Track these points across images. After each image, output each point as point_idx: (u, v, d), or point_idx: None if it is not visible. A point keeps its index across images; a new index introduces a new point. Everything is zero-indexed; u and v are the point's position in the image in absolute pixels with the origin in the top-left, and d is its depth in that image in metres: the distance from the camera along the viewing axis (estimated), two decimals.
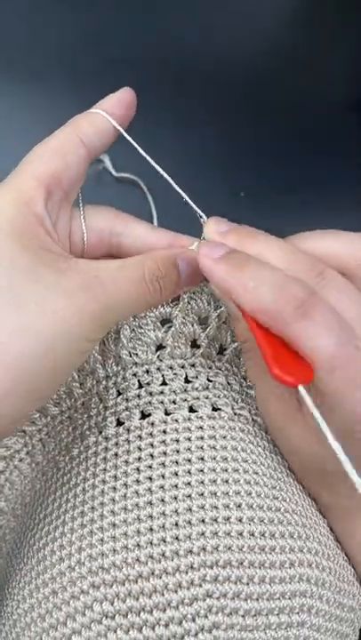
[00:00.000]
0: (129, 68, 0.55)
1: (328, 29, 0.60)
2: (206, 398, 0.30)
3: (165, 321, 0.31)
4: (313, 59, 0.58)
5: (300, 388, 0.21)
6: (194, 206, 0.29)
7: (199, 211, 0.29)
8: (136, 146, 0.29)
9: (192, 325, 0.31)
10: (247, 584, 0.24)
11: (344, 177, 0.54)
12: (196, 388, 0.30)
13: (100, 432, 0.30)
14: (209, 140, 0.54)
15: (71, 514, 0.27)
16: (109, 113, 0.29)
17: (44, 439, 0.33)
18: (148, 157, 0.29)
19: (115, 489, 0.27)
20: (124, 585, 0.24)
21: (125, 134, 0.30)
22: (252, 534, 0.25)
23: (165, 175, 0.29)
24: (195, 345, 0.32)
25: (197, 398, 0.30)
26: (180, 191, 0.29)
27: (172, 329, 0.31)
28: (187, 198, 0.29)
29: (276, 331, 0.23)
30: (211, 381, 0.31)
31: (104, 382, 0.32)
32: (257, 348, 0.25)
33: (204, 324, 0.31)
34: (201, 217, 0.28)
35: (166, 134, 0.52)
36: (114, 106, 0.30)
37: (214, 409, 0.30)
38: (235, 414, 0.30)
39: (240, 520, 0.25)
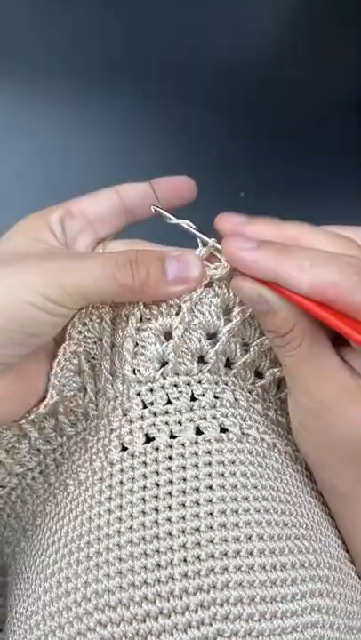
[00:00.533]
0: (129, 68, 0.55)
1: (328, 30, 0.60)
2: (213, 418, 0.29)
3: (169, 335, 0.30)
4: (313, 59, 0.58)
5: None
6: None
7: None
8: (178, 221, 0.30)
9: (199, 341, 0.29)
10: (259, 621, 0.23)
11: (344, 177, 0.54)
12: (203, 407, 0.29)
13: (106, 457, 0.29)
14: (209, 140, 0.54)
15: (78, 543, 0.26)
16: (154, 184, 0.32)
17: (58, 459, 0.32)
18: (191, 228, 0.30)
19: (120, 520, 0.26)
20: (131, 624, 0.23)
21: (161, 210, 0.31)
22: (264, 567, 0.25)
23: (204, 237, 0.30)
24: (201, 360, 0.30)
25: (204, 418, 0.29)
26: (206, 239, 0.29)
27: (173, 342, 0.29)
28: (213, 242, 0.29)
29: (342, 303, 0.24)
30: (218, 398, 0.30)
31: (112, 402, 0.31)
32: (304, 335, 0.26)
33: (212, 339, 0.30)
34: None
35: (166, 134, 0.52)
36: (162, 180, 0.32)
37: (222, 429, 0.29)
38: (243, 434, 0.29)
39: (251, 553, 0.25)
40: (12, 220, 0.30)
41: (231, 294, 0.29)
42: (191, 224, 0.29)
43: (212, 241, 0.29)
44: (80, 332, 0.29)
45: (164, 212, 0.30)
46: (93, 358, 0.31)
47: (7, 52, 0.54)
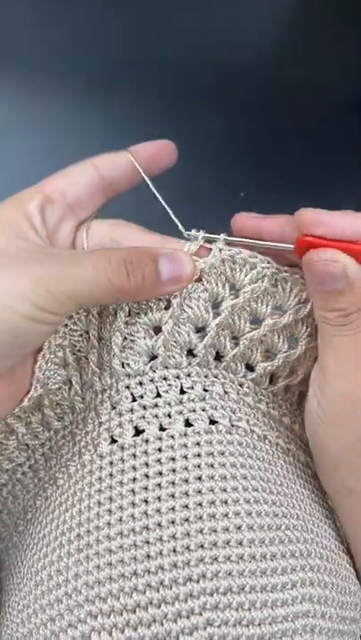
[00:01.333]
0: (129, 68, 0.55)
1: (328, 30, 0.60)
2: (203, 410, 0.29)
3: (158, 329, 0.30)
4: (313, 59, 0.58)
5: None
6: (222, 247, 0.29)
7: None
8: (154, 190, 0.30)
9: (188, 334, 0.29)
10: (249, 609, 0.23)
11: (344, 177, 0.55)
12: (192, 400, 0.29)
13: (95, 449, 0.29)
14: (209, 140, 0.54)
15: (68, 536, 0.27)
16: (133, 151, 0.30)
17: (47, 454, 0.32)
18: (166, 206, 0.30)
19: (110, 512, 0.26)
20: (121, 615, 0.23)
21: (143, 173, 0.30)
22: (253, 557, 0.25)
23: (181, 226, 0.30)
24: (191, 353, 0.30)
25: (193, 410, 0.29)
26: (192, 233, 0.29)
27: (163, 336, 0.29)
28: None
29: None
30: (207, 391, 0.30)
31: (100, 395, 0.31)
32: None
33: (201, 332, 0.30)
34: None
35: (166, 134, 0.52)
36: (142, 146, 0.30)
37: (211, 422, 0.29)
38: (232, 426, 0.29)
39: (240, 543, 0.25)
40: None
41: (220, 288, 0.29)
42: (202, 234, 0.29)
43: (222, 236, 0.29)
44: (66, 325, 0.29)
45: (177, 222, 0.30)
46: (79, 351, 0.31)
47: (7, 52, 0.54)
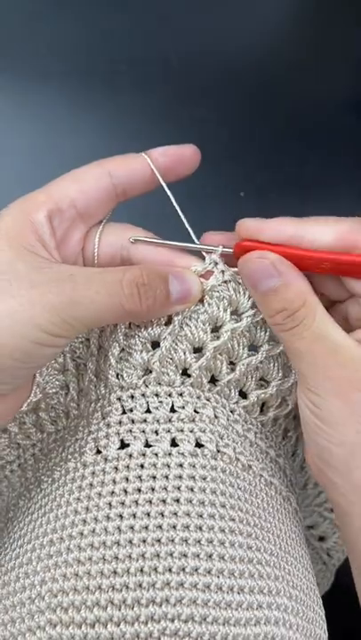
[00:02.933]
0: (129, 68, 0.55)
1: (329, 30, 0.60)
2: (191, 432, 0.29)
3: (156, 344, 0.30)
4: (313, 59, 0.58)
5: None
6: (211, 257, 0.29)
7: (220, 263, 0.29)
8: (173, 200, 0.29)
9: (184, 354, 0.29)
10: None
11: (344, 177, 0.55)
12: (182, 419, 0.29)
13: (80, 457, 0.29)
14: (209, 140, 0.54)
15: (41, 540, 0.26)
16: (152, 157, 0.29)
17: (37, 455, 0.32)
18: (181, 213, 0.29)
19: (85, 522, 0.26)
20: (80, 628, 0.23)
21: (161, 180, 0.29)
22: (220, 588, 0.24)
23: (193, 234, 0.30)
24: (186, 373, 0.30)
25: (181, 430, 0.29)
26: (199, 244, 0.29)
27: (159, 352, 0.29)
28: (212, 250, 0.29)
29: None
30: (197, 413, 0.29)
31: (93, 405, 0.31)
32: (316, 307, 0.26)
33: (198, 353, 0.30)
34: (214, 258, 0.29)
35: (166, 134, 0.52)
36: (160, 151, 0.29)
37: (198, 444, 0.28)
38: (218, 451, 0.28)
39: (209, 572, 0.24)
40: None
41: (221, 312, 0.29)
42: (217, 249, 0.29)
43: (219, 248, 0.29)
44: None
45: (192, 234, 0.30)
46: (79, 357, 0.31)
47: (7, 52, 0.54)
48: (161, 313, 0.28)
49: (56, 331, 0.25)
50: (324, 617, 0.29)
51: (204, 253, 0.29)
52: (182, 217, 0.29)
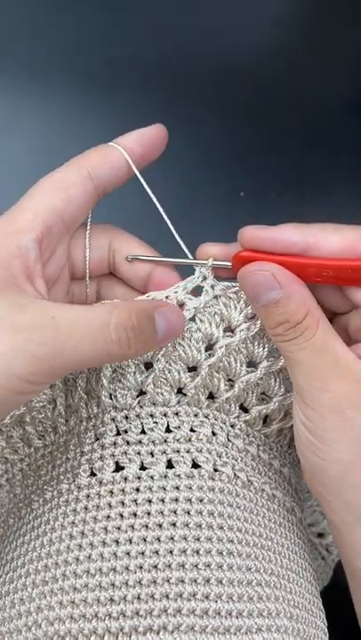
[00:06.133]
0: (129, 68, 0.55)
1: (328, 30, 0.60)
2: (187, 452, 0.28)
3: (149, 365, 0.29)
4: (313, 59, 0.58)
5: None
6: (193, 259, 0.29)
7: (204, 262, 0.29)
8: (148, 189, 0.29)
9: (178, 373, 0.29)
10: None
11: (344, 177, 0.55)
12: (178, 440, 0.28)
13: (74, 480, 0.28)
14: (209, 140, 0.54)
15: (35, 565, 0.26)
16: (127, 149, 0.28)
17: (25, 470, 0.32)
18: (156, 202, 0.29)
19: (80, 547, 0.25)
20: None
21: (138, 174, 0.28)
22: (218, 613, 0.24)
23: (170, 225, 0.29)
24: (181, 392, 0.30)
25: (177, 451, 0.28)
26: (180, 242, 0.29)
27: (153, 373, 0.29)
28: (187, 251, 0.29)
29: None
30: (194, 432, 0.29)
31: (85, 423, 0.30)
32: (318, 322, 0.26)
33: (193, 372, 0.29)
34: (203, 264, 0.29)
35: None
36: (135, 141, 0.28)
37: (194, 465, 0.28)
38: (215, 471, 0.28)
39: (207, 597, 0.24)
40: None
41: (213, 328, 0.28)
42: (207, 262, 0.29)
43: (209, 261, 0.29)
44: None
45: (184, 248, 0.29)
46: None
47: (7, 52, 0.54)
48: (148, 350, 0.28)
49: (37, 380, 0.24)
50: (326, 631, 0.29)
51: (194, 267, 0.29)
52: (164, 215, 0.29)
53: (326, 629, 0.29)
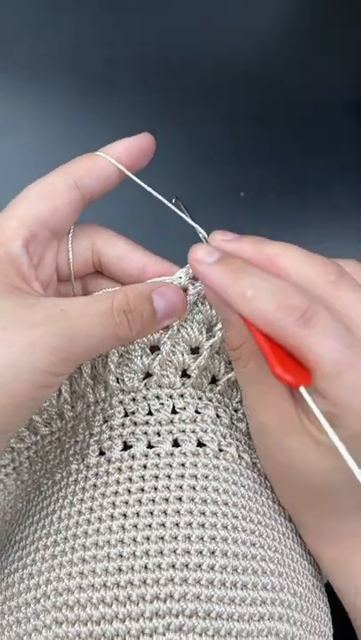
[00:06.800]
0: (129, 68, 0.55)
1: (328, 30, 0.60)
2: (192, 432, 0.29)
3: (155, 348, 0.30)
4: (313, 59, 0.58)
5: (302, 390, 0.21)
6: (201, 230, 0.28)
7: (203, 232, 0.28)
8: (148, 188, 0.29)
9: (182, 355, 0.30)
10: (213, 636, 0.23)
11: (344, 177, 0.54)
12: (183, 420, 0.29)
13: (83, 460, 0.29)
14: (209, 140, 0.54)
15: (44, 541, 0.27)
16: (115, 158, 0.28)
17: (32, 458, 0.32)
18: (160, 197, 0.29)
19: (89, 521, 0.26)
20: (86, 625, 0.23)
21: (133, 177, 0.29)
22: (224, 584, 0.24)
23: (183, 214, 0.29)
24: (185, 374, 0.31)
25: (183, 431, 0.29)
26: (193, 224, 0.28)
27: (159, 356, 0.29)
28: (199, 229, 0.28)
29: (278, 339, 0.22)
30: (199, 413, 0.30)
31: (92, 407, 0.31)
32: (251, 355, 0.25)
33: (196, 354, 0.30)
34: (204, 237, 0.28)
35: (166, 134, 0.52)
36: (121, 152, 0.29)
37: (199, 444, 0.29)
38: (220, 451, 0.29)
39: (212, 568, 0.25)
40: None
41: (214, 311, 0.29)
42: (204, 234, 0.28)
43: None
44: None
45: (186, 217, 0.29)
46: None
47: (7, 52, 0.54)
48: (151, 332, 0.28)
49: (59, 370, 0.24)
50: (329, 614, 0.29)
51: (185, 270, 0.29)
52: (173, 207, 0.29)
53: (329, 613, 0.29)
